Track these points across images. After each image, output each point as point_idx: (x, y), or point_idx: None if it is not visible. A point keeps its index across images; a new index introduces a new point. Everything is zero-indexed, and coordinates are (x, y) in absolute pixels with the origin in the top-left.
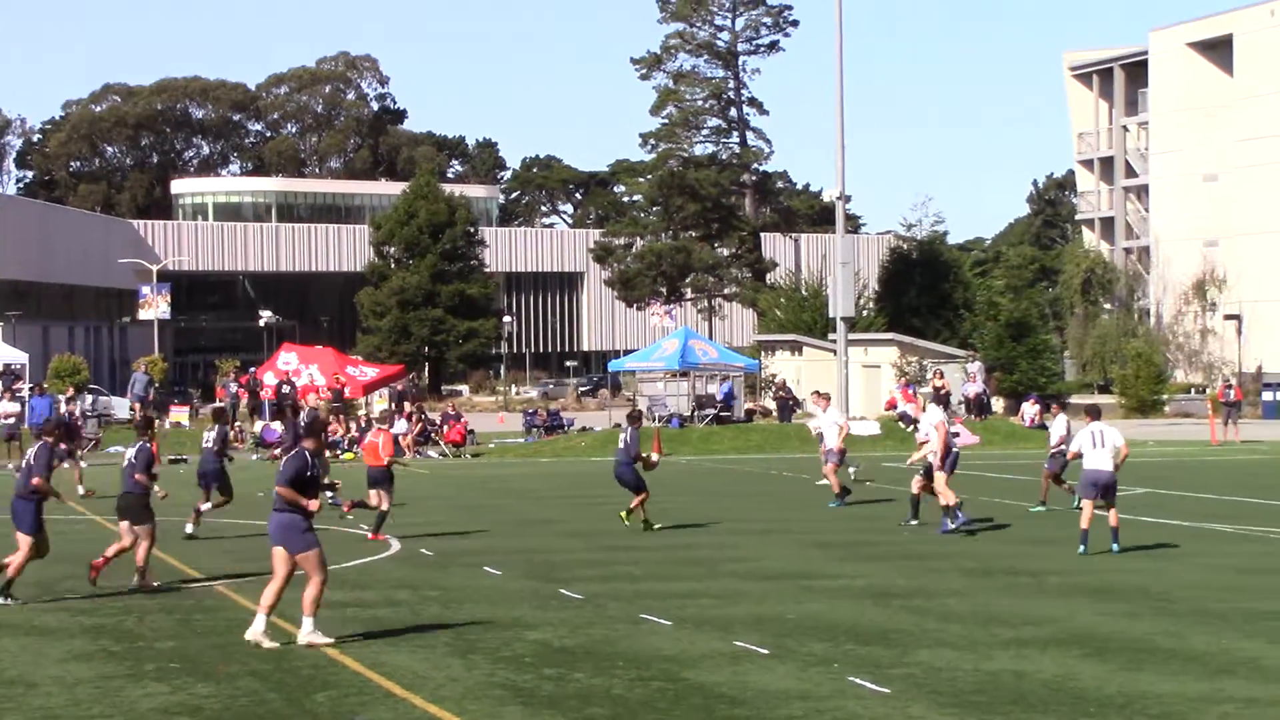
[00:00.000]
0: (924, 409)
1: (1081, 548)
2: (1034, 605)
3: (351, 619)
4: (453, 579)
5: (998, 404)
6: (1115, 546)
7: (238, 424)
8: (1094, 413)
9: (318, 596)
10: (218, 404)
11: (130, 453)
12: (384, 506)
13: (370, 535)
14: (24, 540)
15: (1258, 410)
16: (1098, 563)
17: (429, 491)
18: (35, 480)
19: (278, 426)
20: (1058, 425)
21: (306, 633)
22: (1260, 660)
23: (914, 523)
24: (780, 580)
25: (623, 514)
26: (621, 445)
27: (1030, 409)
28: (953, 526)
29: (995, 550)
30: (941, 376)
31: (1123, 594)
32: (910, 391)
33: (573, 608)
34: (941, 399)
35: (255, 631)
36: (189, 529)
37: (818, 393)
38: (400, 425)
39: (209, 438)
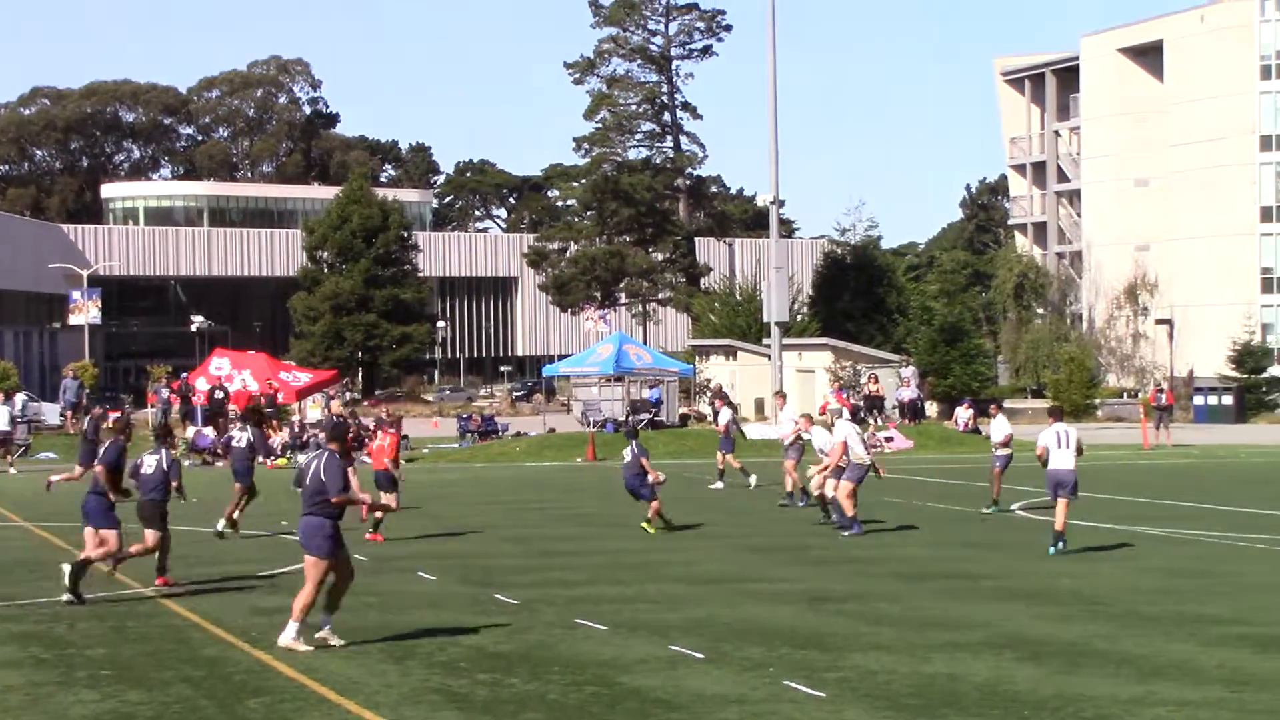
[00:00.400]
0: (832, 424)
1: (1052, 549)
2: (968, 609)
3: (284, 625)
4: (388, 584)
5: (931, 408)
6: (1059, 545)
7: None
8: (1057, 413)
9: (308, 605)
10: (251, 406)
11: (155, 460)
12: (394, 507)
13: (368, 536)
14: (151, 535)
15: (1189, 414)
16: (1031, 566)
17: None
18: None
19: (210, 432)
20: (999, 425)
21: (289, 638)
22: (1191, 662)
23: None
24: (717, 584)
25: (644, 524)
26: (629, 458)
27: (964, 413)
28: (857, 530)
29: (930, 554)
30: (876, 381)
31: (1056, 597)
32: (844, 396)
33: (508, 613)
34: (875, 403)
35: (287, 638)
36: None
37: (779, 393)
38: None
39: (241, 438)
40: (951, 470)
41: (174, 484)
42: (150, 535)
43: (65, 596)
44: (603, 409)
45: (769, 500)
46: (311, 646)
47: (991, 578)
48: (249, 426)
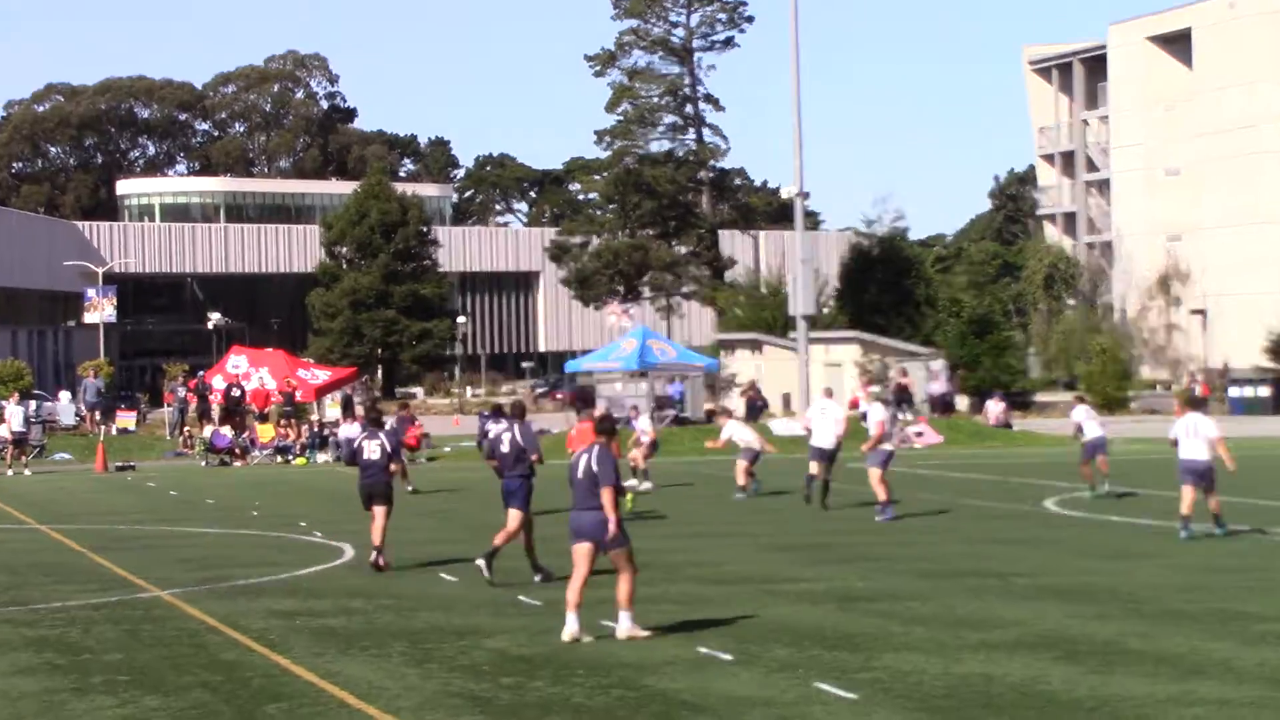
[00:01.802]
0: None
1: (1183, 534)
2: (1001, 607)
3: (302, 628)
4: (408, 586)
5: (962, 402)
6: (1219, 530)
7: (187, 429)
8: (1192, 404)
9: (631, 591)
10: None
11: (376, 444)
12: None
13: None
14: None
15: (1224, 406)
16: (1065, 563)
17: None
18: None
19: (228, 432)
20: (1079, 414)
21: (625, 628)
22: (1232, 661)
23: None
24: (742, 585)
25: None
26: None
27: (995, 407)
28: (890, 516)
29: (959, 551)
30: (905, 374)
31: (1091, 595)
32: (872, 391)
33: (531, 614)
34: (904, 397)
35: (570, 631)
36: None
37: (828, 390)
38: (353, 428)
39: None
40: (983, 465)
41: (396, 466)
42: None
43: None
44: (626, 405)
45: (795, 499)
46: (649, 631)
47: (1024, 575)
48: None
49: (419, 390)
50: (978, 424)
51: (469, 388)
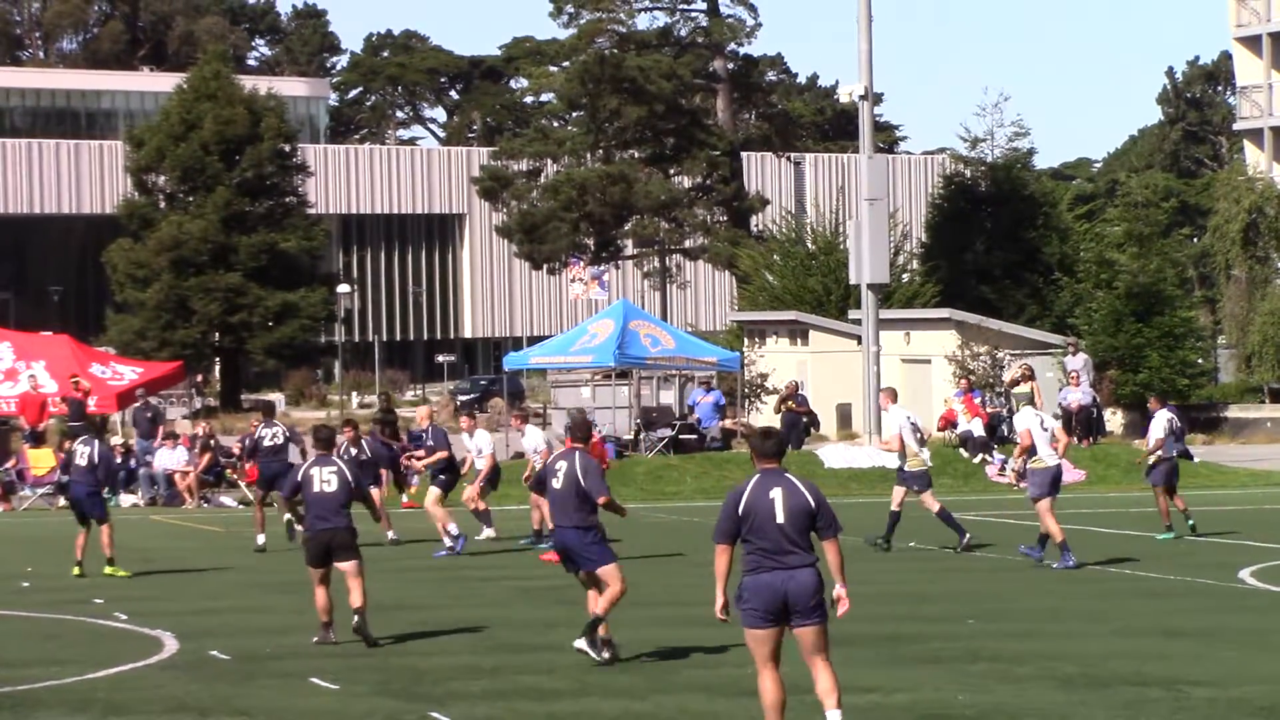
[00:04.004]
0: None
1: None
2: None
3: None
4: (263, 697)
5: (1114, 419)
6: None
7: None
8: None
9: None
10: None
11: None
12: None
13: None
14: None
15: None
16: (1268, 666)
17: (222, 559)
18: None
19: None
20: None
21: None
22: None
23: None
24: None
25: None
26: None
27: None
28: (1070, 563)
29: (1110, 647)
30: (1029, 376)
31: None
32: (977, 401)
33: None
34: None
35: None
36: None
37: (887, 390)
38: (175, 455)
39: (276, 434)
40: (1146, 515)
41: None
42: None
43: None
44: (598, 421)
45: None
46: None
47: (1207, 684)
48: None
49: (278, 396)
50: (1139, 451)
51: (355, 394)
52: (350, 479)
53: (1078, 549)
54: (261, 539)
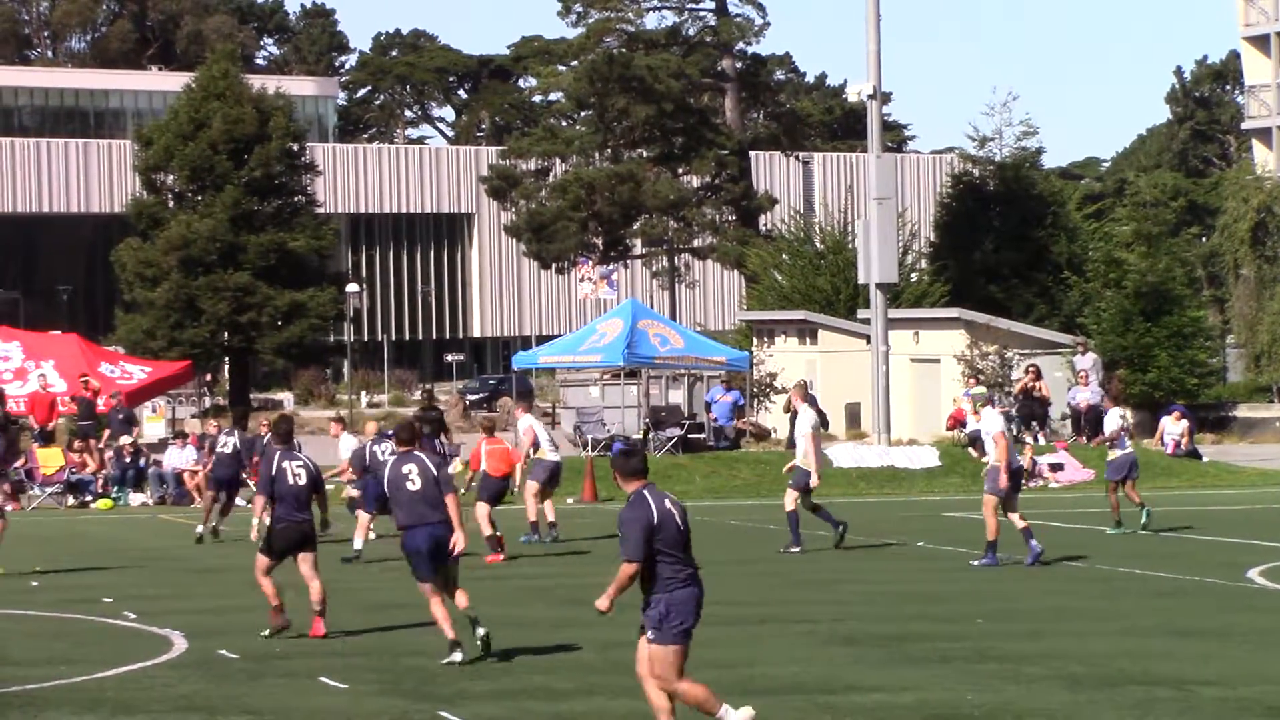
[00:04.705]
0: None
1: None
2: None
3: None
4: (271, 696)
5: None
6: None
7: None
8: None
9: None
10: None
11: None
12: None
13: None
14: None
15: None
16: (1274, 668)
17: (228, 559)
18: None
19: None
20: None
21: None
22: None
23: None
24: (787, 696)
25: None
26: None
27: (1174, 426)
28: (990, 561)
29: (1118, 646)
30: (1038, 377)
31: None
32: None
33: None
34: (1037, 411)
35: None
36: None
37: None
38: (184, 455)
39: (227, 443)
40: (1155, 516)
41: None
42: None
43: None
44: (607, 421)
45: (866, 559)
46: None
47: (1215, 683)
48: (236, 430)
49: (287, 395)
50: (1147, 452)
51: (364, 393)
52: (316, 472)
53: (1086, 548)
54: (200, 529)
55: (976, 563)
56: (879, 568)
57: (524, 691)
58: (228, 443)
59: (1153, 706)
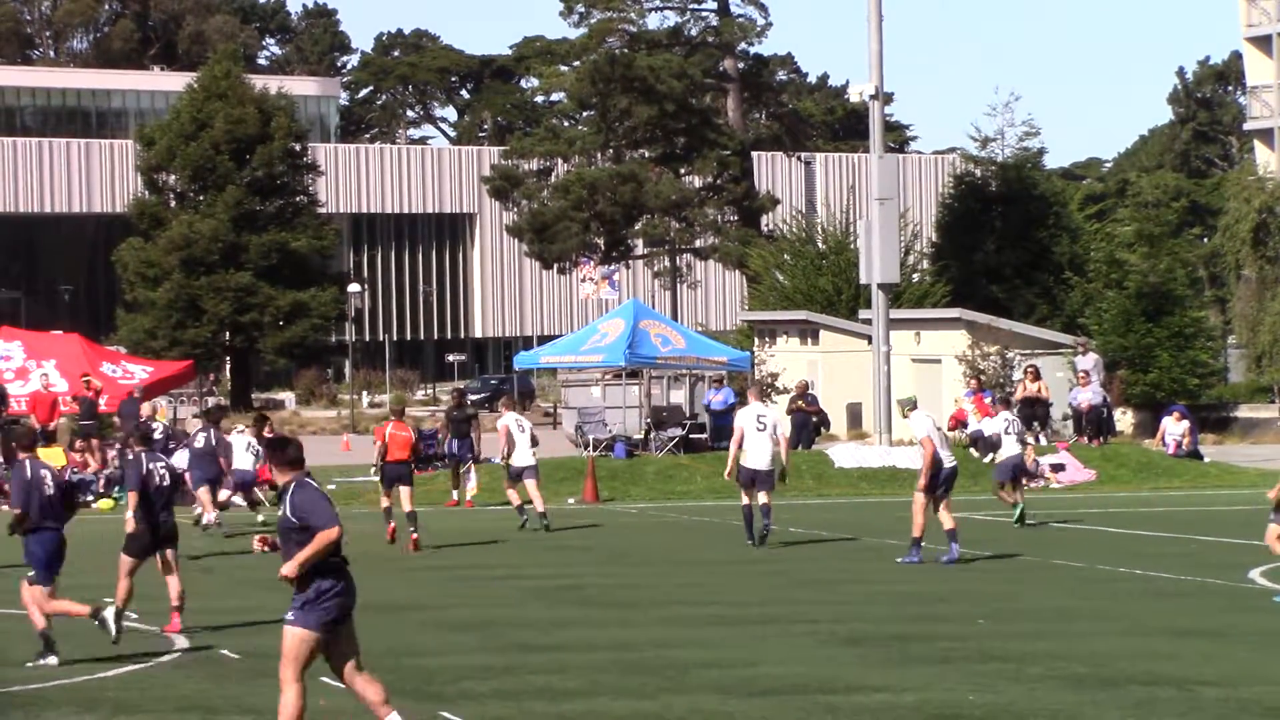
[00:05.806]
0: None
1: None
2: None
3: None
4: (271, 696)
5: (1124, 419)
6: None
7: None
8: None
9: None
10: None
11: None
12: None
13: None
14: None
15: None
16: (1276, 669)
17: (232, 558)
18: None
19: None
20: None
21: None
22: None
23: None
24: (788, 696)
25: None
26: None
27: (1175, 426)
28: (913, 559)
29: (1120, 647)
30: (1037, 376)
31: None
32: (988, 401)
33: None
34: (1038, 412)
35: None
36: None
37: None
38: (184, 455)
39: (201, 439)
40: (1156, 515)
41: None
42: None
43: None
44: (609, 421)
45: (868, 559)
46: None
47: (1215, 684)
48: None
49: (288, 395)
50: (1148, 452)
51: (365, 393)
52: (176, 473)
53: (1087, 549)
54: (208, 517)
55: (902, 560)
56: (880, 568)
57: (526, 691)
58: (202, 438)
59: (1155, 707)
